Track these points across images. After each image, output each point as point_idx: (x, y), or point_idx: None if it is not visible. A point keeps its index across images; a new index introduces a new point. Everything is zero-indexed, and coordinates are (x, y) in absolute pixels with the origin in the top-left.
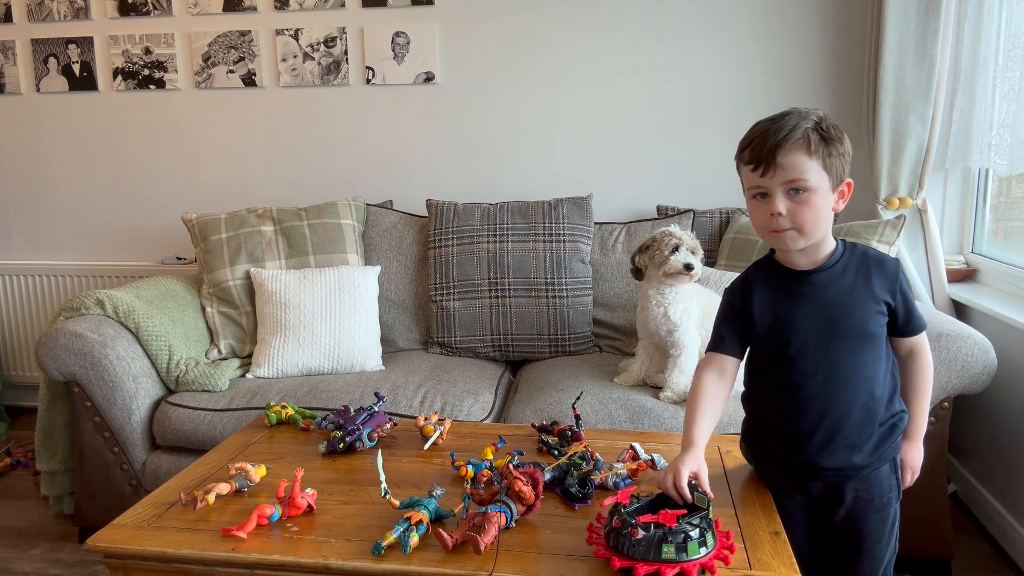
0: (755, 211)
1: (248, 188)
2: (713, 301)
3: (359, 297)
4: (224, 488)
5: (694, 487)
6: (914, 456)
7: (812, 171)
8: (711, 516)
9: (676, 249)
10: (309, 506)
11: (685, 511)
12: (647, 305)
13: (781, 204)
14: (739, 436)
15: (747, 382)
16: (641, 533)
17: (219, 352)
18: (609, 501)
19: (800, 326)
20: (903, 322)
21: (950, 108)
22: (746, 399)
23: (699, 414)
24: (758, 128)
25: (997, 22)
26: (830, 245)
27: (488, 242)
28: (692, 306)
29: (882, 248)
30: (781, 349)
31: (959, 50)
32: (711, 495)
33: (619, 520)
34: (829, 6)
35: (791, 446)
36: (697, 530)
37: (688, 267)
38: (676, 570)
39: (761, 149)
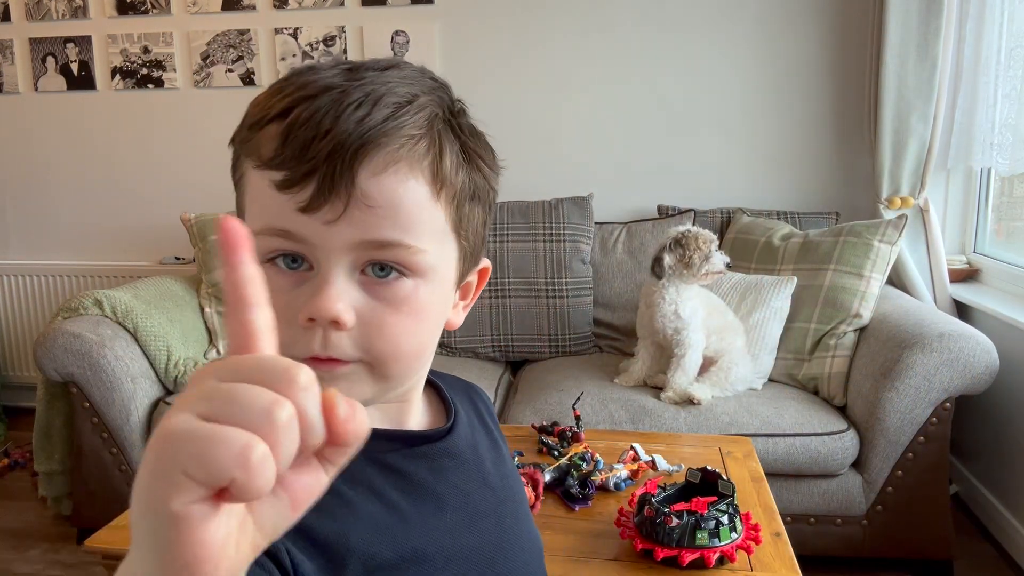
0: (270, 291)
1: None
2: (712, 300)
3: None
4: None
5: (718, 475)
6: None
7: (429, 227)
8: (736, 502)
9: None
10: None
11: (714, 498)
12: (657, 303)
13: (342, 298)
14: (739, 436)
15: None
16: (675, 521)
17: (218, 352)
18: (640, 491)
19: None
20: None
21: (952, 107)
22: None
23: None
24: (298, 88)
25: (999, 21)
26: (422, 381)
27: (488, 242)
28: (698, 304)
29: (883, 248)
30: None
31: (961, 49)
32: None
33: (651, 510)
34: (830, 6)
35: None
36: (726, 516)
37: (729, 266)
38: (696, 555)
39: (310, 141)
